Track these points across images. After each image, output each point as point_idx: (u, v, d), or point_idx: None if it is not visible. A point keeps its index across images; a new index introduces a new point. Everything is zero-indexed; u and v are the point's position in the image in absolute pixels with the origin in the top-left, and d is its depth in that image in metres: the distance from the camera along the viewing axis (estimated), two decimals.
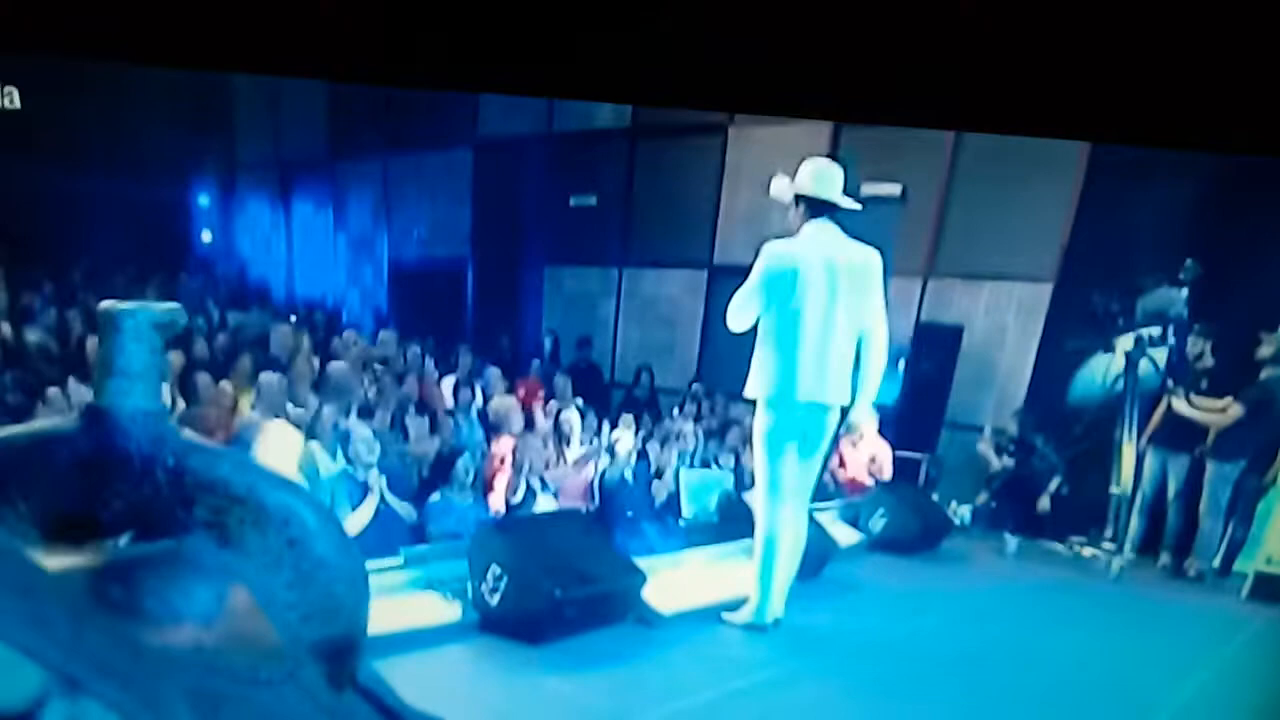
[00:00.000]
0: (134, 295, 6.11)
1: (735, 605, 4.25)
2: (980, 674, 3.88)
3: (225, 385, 5.70)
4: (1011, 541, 6.41)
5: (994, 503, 7.22)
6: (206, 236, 13.10)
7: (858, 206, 4.14)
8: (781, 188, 4.15)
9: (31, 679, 0.64)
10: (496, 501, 5.37)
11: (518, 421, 5.72)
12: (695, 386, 8.77)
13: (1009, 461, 7.40)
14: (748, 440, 6.55)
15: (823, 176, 4.11)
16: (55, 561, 0.97)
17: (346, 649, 1.23)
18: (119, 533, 1.13)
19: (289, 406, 5.53)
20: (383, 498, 4.82)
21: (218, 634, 0.98)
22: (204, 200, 12.96)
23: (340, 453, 5.05)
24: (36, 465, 1.20)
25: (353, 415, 5.61)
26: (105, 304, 1.30)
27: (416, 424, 5.83)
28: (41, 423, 1.33)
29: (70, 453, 1.20)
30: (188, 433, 1.25)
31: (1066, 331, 7.52)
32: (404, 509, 4.89)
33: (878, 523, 6.04)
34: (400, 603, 3.76)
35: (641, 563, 4.31)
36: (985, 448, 7.59)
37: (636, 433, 6.58)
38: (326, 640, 1.20)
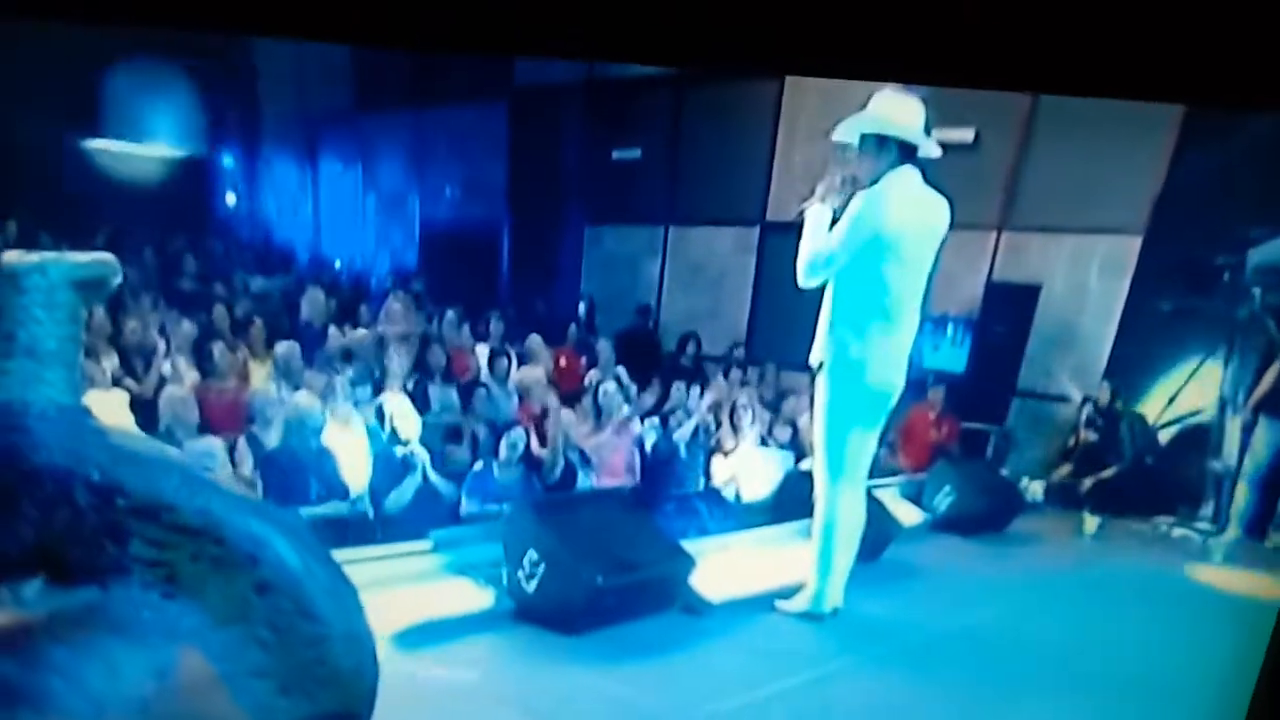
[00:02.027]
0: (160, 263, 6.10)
1: (790, 593, 4.14)
2: (1056, 666, 3.74)
3: (244, 355, 5.72)
4: (1091, 521, 6.19)
5: (1072, 478, 7.02)
6: (230, 199, 13.16)
7: (939, 152, 3.86)
8: (848, 128, 3.86)
9: None
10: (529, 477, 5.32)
11: (545, 392, 5.65)
12: (737, 351, 8.61)
13: (1090, 433, 7.19)
14: (802, 413, 6.46)
15: (899, 110, 3.79)
16: None
17: None
18: (24, 576, 0.90)
19: (311, 376, 5.55)
20: (425, 475, 4.82)
21: None
22: (227, 160, 13.01)
23: (379, 427, 5.04)
24: None
25: (391, 387, 5.62)
26: (8, 256, 1.01)
27: (445, 394, 5.81)
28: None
29: None
30: (118, 435, 0.97)
31: (1159, 289, 7.28)
32: (448, 489, 4.88)
33: (943, 501, 5.88)
34: (429, 590, 3.71)
35: (689, 546, 4.22)
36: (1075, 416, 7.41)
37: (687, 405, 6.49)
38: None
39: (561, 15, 1.61)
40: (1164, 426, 7.13)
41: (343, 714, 0.99)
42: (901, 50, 1.65)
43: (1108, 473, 6.96)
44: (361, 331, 6.45)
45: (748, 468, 6.08)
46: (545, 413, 5.88)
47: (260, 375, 5.60)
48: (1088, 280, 7.87)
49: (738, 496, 5.86)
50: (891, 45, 1.59)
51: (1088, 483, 6.92)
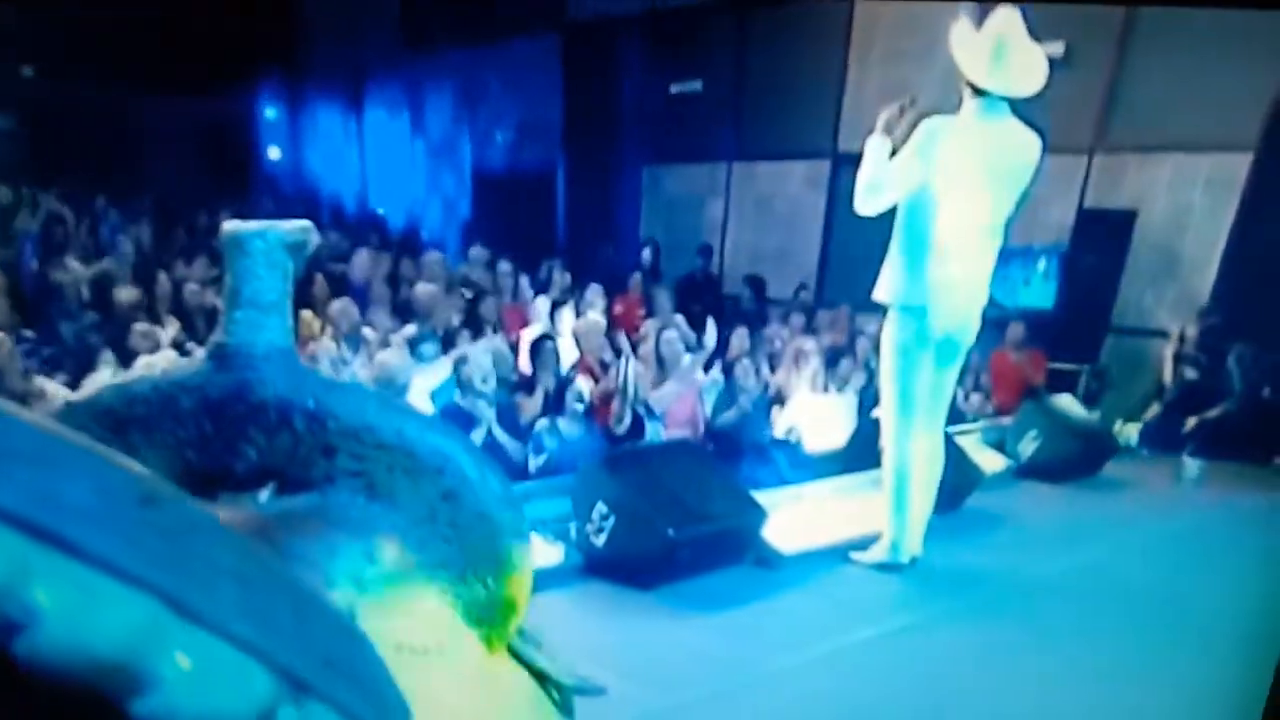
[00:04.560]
0: (200, 222, 6.49)
1: (866, 543, 4.27)
2: (1149, 619, 3.75)
3: (306, 314, 6.01)
4: (1192, 465, 6.08)
5: (1170, 418, 6.97)
6: (274, 152, 13.45)
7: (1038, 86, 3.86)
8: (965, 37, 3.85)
9: (260, 685, 0.65)
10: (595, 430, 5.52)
11: (602, 341, 5.82)
12: (803, 294, 8.60)
13: (1190, 369, 7.11)
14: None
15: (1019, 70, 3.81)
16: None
17: (508, 612, 1.28)
18: (256, 488, 1.18)
19: (369, 332, 5.83)
20: (490, 431, 4.99)
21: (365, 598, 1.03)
22: (270, 112, 13.29)
23: (455, 380, 5.25)
24: (162, 415, 1.19)
25: (468, 340, 5.86)
26: (230, 225, 1.25)
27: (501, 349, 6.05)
28: (165, 367, 1.32)
29: (198, 400, 1.19)
30: (321, 374, 1.25)
31: (1272, 208, 7.16)
32: (512, 445, 5.06)
33: (1028, 446, 5.88)
34: None
35: (761, 497, 4.32)
36: (1165, 349, 7.34)
37: (751, 352, 6.64)
38: (483, 603, 1.24)
39: None
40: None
41: (510, 602, 1.27)
42: None
43: (1213, 412, 6.89)
44: (428, 287, 6.72)
45: (812, 416, 6.18)
46: (605, 364, 6.09)
47: (319, 332, 5.90)
48: (1190, 203, 7.76)
49: (804, 446, 5.98)
50: None
51: (1190, 423, 6.86)
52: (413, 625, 1.12)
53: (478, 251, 8.52)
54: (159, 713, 0.60)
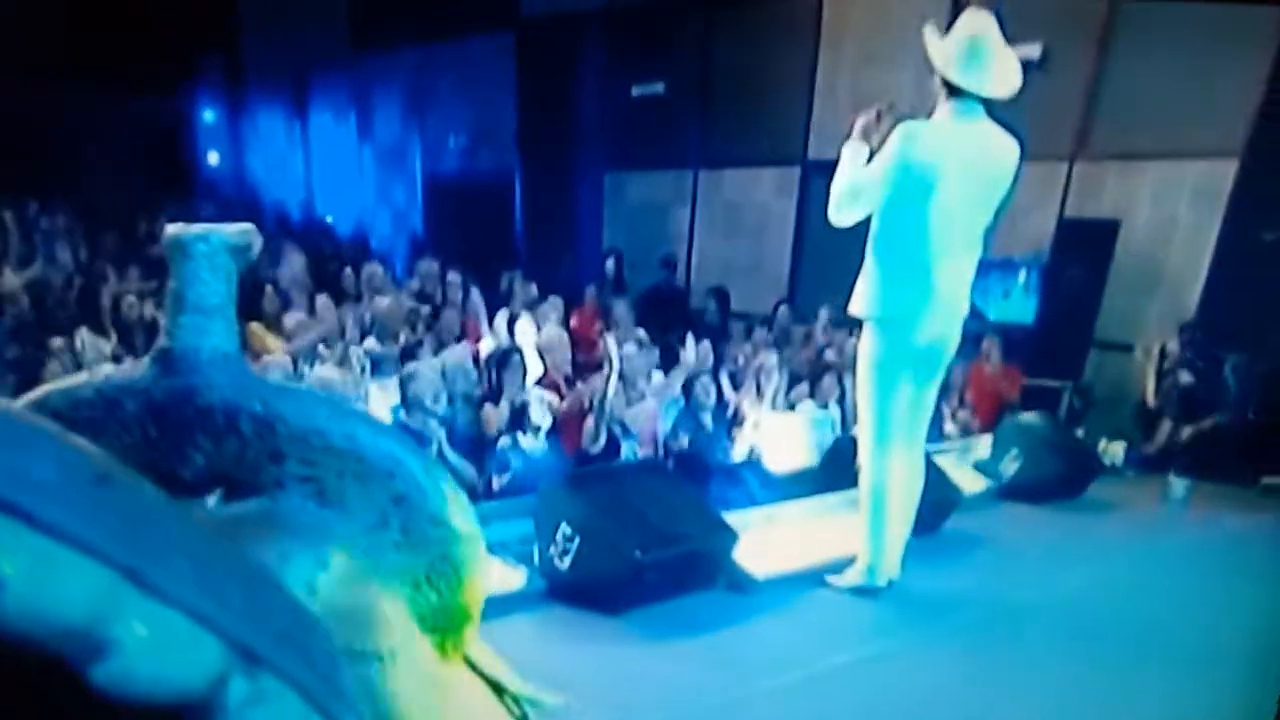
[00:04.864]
0: (136, 229, 6.45)
1: (842, 567, 4.29)
2: (1135, 647, 3.77)
3: (255, 327, 5.99)
4: (1178, 484, 6.11)
5: (1167, 438, 7.01)
6: (214, 158, 13.34)
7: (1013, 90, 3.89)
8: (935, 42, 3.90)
9: (211, 654, 0.69)
10: (570, 449, 5.53)
11: (567, 355, 5.80)
12: (782, 309, 8.64)
13: (1186, 375, 7.18)
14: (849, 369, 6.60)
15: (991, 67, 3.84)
16: None
17: (463, 618, 1.31)
18: (204, 493, 1.21)
19: (321, 348, 5.82)
20: (440, 451, 4.95)
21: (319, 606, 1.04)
22: (209, 115, 13.18)
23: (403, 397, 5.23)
24: (107, 420, 1.22)
25: (420, 355, 5.86)
26: (173, 229, 1.28)
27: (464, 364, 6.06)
28: (108, 372, 1.28)
29: (143, 404, 1.22)
30: (274, 375, 1.29)
31: (1260, 219, 7.26)
32: (463, 466, 5.03)
33: (1010, 466, 5.93)
34: None
35: (732, 519, 4.34)
36: (1147, 366, 7.38)
37: (716, 370, 6.66)
38: (438, 609, 1.28)
39: None
40: (1268, 373, 7.03)
41: (464, 608, 1.30)
42: None
43: (1205, 424, 6.99)
44: (385, 299, 6.73)
45: (774, 434, 6.20)
46: (569, 379, 6.09)
47: (272, 345, 5.88)
48: (1175, 212, 7.84)
49: (765, 466, 6.01)
50: None
51: (1185, 433, 6.96)
52: (366, 631, 1.13)
53: (428, 264, 8.53)
54: (117, 677, 0.64)
